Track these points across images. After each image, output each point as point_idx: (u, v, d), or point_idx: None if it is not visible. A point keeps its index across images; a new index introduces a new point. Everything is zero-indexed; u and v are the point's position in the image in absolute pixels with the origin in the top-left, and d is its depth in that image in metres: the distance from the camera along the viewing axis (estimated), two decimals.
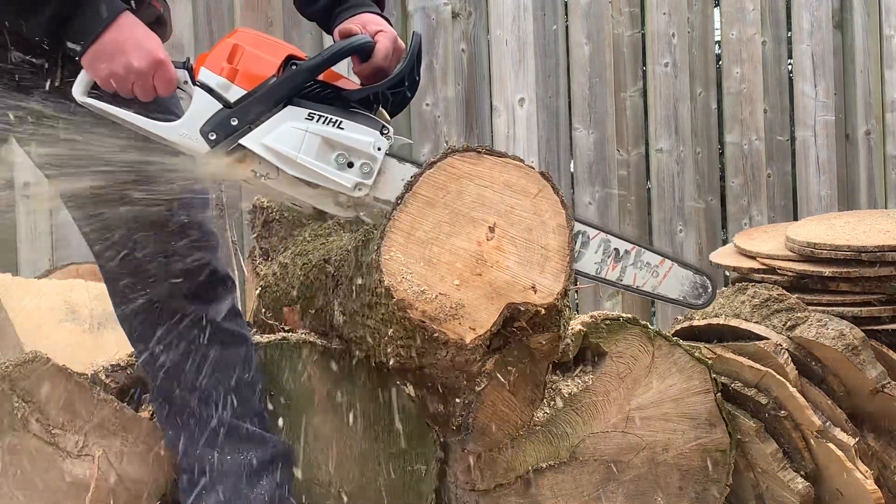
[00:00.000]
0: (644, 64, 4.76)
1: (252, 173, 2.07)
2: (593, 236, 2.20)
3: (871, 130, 5.01)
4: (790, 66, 4.98)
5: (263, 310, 2.69)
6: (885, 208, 4.92)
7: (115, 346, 2.75)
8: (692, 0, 4.79)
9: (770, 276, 2.98)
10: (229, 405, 2.29)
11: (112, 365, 2.58)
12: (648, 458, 2.66)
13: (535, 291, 2.22)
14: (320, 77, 2.09)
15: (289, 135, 2.05)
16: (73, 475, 2.36)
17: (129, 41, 1.98)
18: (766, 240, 3.16)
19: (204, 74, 2.06)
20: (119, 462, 2.39)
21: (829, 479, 2.72)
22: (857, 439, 2.72)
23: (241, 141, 2.05)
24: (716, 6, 4.88)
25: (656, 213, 4.75)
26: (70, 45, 1.99)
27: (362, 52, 2.16)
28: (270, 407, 2.45)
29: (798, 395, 2.70)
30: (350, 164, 2.07)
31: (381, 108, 2.16)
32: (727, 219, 4.87)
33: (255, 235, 2.84)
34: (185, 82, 2.06)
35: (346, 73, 2.23)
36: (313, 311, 2.55)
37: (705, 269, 2.35)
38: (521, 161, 2.28)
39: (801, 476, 2.70)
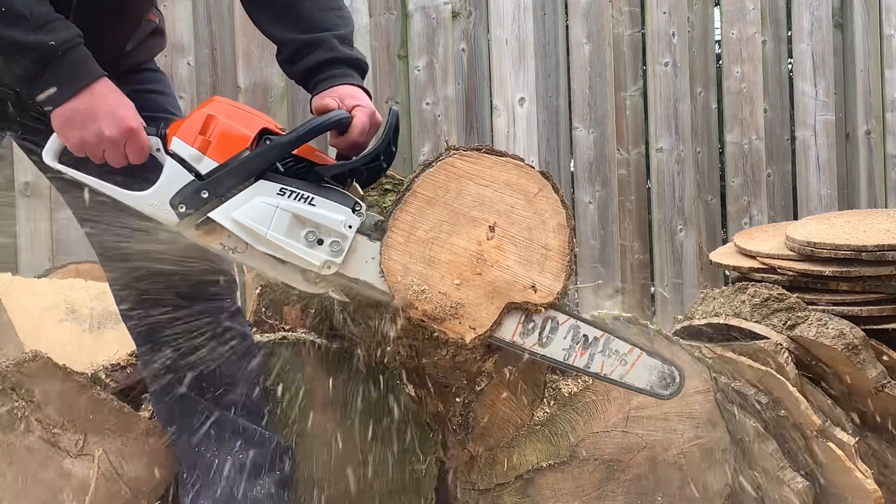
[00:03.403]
0: (644, 63, 4.76)
1: (220, 246, 2.05)
2: (563, 321, 2.18)
3: (871, 130, 5.01)
4: (790, 66, 4.98)
5: (263, 309, 2.69)
6: (885, 207, 4.92)
7: (115, 346, 2.75)
8: None
9: (770, 276, 2.98)
10: (230, 404, 2.29)
11: (112, 365, 2.59)
12: (649, 457, 2.66)
13: (536, 291, 2.22)
14: (297, 152, 2.07)
15: (259, 210, 2.02)
16: (73, 475, 2.36)
17: (101, 108, 1.95)
18: (767, 239, 3.16)
19: (176, 144, 2.02)
20: (119, 461, 2.39)
21: (829, 478, 2.72)
22: (857, 439, 2.72)
23: (210, 214, 2.02)
24: (716, 5, 4.88)
25: (656, 212, 4.75)
26: (41, 105, 1.97)
27: (339, 127, 2.14)
28: (271, 406, 2.45)
29: (798, 394, 2.70)
30: (320, 242, 2.04)
31: (354, 182, 2.15)
32: (727, 218, 4.87)
33: None
34: (158, 150, 2.03)
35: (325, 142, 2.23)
36: (313, 311, 2.55)
37: (674, 359, 2.31)
38: (522, 160, 2.28)
39: (801, 475, 2.70)
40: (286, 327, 2.56)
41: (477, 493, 2.59)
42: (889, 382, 2.74)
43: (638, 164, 4.72)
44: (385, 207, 2.37)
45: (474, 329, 2.19)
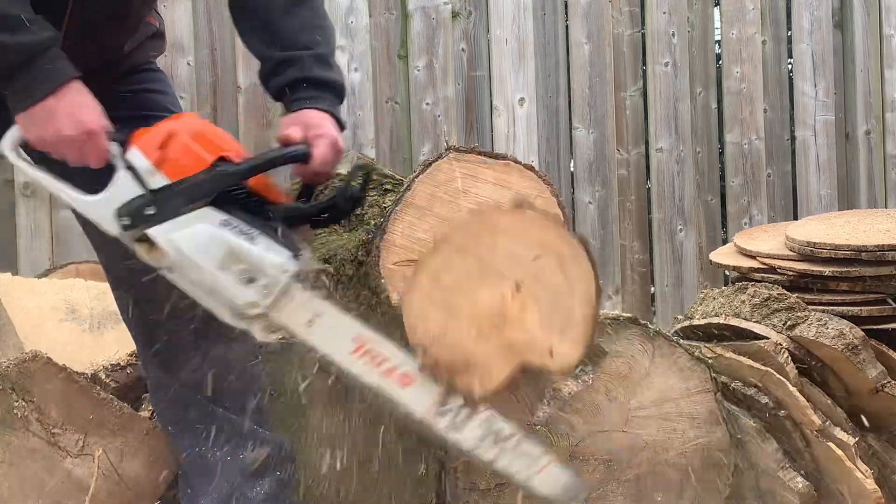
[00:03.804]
0: (644, 63, 4.76)
1: (156, 262, 2.01)
2: (480, 413, 2.08)
3: (871, 130, 5.01)
4: (790, 66, 4.98)
5: None
6: (885, 208, 4.93)
7: (115, 346, 2.75)
8: None
9: (770, 276, 2.98)
10: (231, 404, 2.28)
11: (112, 364, 2.59)
12: (649, 457, 2.66)
13: (552, 356, 2.16)
14: (250, 183, 2.01)
15: (198, 236, 1.97)
16: (73, 475, 2.36)
17: (64, 108, 1.93)
18: (766, 239, 3.16)
19: (134, 155, 1.98)
20: (119, 461, 2.39)
21: (829, 478, 2.72)
22: (857, 439, 2.72)
23: (149, 231, 1.98)
24: (716, 5, 4.88)
25: (656, 212, 4.75)
26: (10, 104, 1.95)
27: (296, 161, 2.08)
28: (272, 406, 2.45)
29: (798, 394, 2.70)
30: (251, 280, 1.98)
31: (306, 226, 2.09)
32: (727, 218, 4.87)
33: None
34: (115, 155, 1.99)
35: None
36: None
37: (580, 480, 2.20)
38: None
39: (802, 475, 2.70)
40: None
41: (477, 494, 2.59)
42: (889, 382, 2.74)
43: (638, 164, 4.72)
44: (385, 207, 2.38)
45: (482, 385, 2.14)
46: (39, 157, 2.02)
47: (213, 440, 2.27)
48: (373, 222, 2.40)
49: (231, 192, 1.99)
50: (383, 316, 2.28)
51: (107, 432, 2.38)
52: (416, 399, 2.05)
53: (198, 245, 1.97)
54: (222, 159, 1.99)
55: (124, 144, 2.00)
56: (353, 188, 2.06)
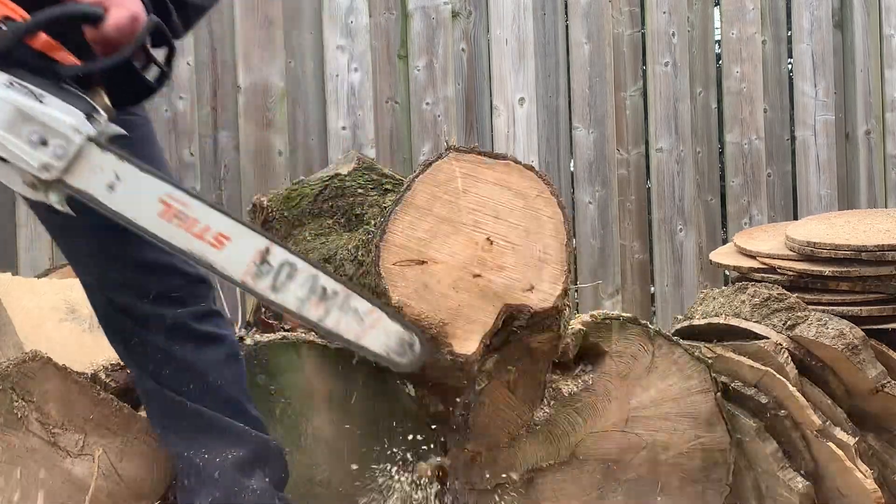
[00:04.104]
0: (644, 63, 4.76)
1: None
2: (301, 269, 1.99)
3: (871, 130, 5.01)
4: (790, 66, 4.98)
5: (263, 309, 2.69)
6: (885, 207, 4.92)
7: None
8: None
9: (770, 276, 2.98)
10: (211, 407, 2.25)
11: (112, 364, 2.58)
12: (648, 457, 2.66)
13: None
14: (37, 46, 1.90)
15: None
16: (73, 474, 2.36)
17: None
18: (766, 239, 3.16)
19: None
20: (119, 461, 2.39)
21: (829, 478, 2.72)
22: (857, 438, 2.72)
23: None
24: (716, 5, 4.88)
25: (656, 212, 4.75)
26: None
27: (87, 20, 1.94)
28: (271, 406, 2.45)
29: (798, 394, 2.70)
30: (44, 143, 1.86)
31: (101, 91, 1.97)
32: (727, 218, 4.86)
33: None
34: None
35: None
36: None
37: (414, 326, 2.12)
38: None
39: (801, 475, 2.70)
40: (286, 327, 2.56)
41: (477, 494, 2.59)
42: (889, 382, 2.74)
43: (638, 164, 4.72)
44: (385, 207, 2.38)
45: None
46: None
47: (200, 442, 2.26)
48: (373, 222, 2.40)
49: (15, 52, 1.88)
50: None
51: (107, 432, 2.38)
52: (233, 261, 1.96)
53: None
54: (4, 20, 1.88)
55: None
56: (156, 64, 1.97)
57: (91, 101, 1.93)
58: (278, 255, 1.98)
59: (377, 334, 2.04)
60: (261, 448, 2.28)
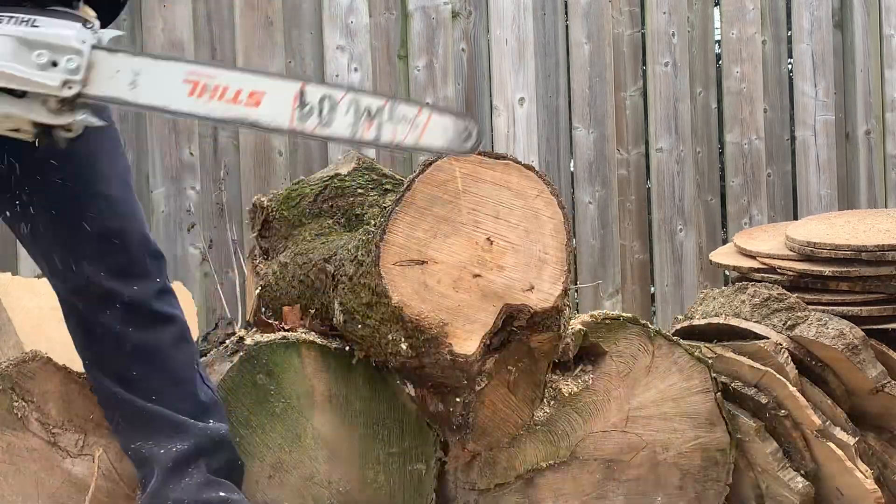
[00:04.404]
0: (644, 63, 4.76)
1: None
2: (340, 98, 1.98)
3: (871, 130, 5.01)
4: (790, 66, 4.98)
5: (263, 309, 2.69)
6: (885, 207, 4.92)
7: None
8: None
9: (770, 276, 2.98)
10: (158, 392, 2.22)
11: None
12: (648, 457, 2.66)
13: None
14: None
15: None
16: (73, 474, 2.36)
17: None
18: (766, 239, 3.16)
19: None
20: (119, 461, 2.39)
21: (829, 478, 2.72)
22: (857, 439, 2.72)
23: None
24: (716, 5, 4.88)
25: (656, 212, 4.75)
26: None
27: None
28: (271, 406, 2.46)
29: (798, 394, 2.70)
30: (54, 63, 1.86)
31: (83, 5, 1.98)
32: (727, 218, 4.86)
33: (254, 235, 2.84)
34: None
35: None
36: (313, 311, 2.55)
37: (465, 112, 2.15)
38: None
39: (801, 475, 2.70)
40: (286, 327, 2.56)
41: (476, 493, 2.59)
42: (889, 382, 2.74)
43: (638, 164, 4.72)
44: (385, 207, 2.38)
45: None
46: None
47: (143, 431, 2.24)
48: (373, 222, 2.40)
49: None
50: (383, 315, 2.28)
51: (106, 432, 2.38)
52: (276, 112, 1.96)
53: None
54: None
55: None
56: None
57: (77, 13, 1.93)
58: (314, 91, 1.98)
59: (434, 132, 2.04)
60: (202, 440, 2.25)
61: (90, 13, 1.96)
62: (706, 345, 2.82)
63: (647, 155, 4.75)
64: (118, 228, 2.17)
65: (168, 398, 2.24)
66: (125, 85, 1.91)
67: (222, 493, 2.23)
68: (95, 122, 1.95)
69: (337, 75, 4.30)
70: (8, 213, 2.19)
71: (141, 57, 1.94)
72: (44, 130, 1.93)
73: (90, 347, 2.25)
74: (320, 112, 1.97)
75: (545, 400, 2.57)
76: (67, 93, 1.88)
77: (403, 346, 2.27)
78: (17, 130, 1.95)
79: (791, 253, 2.97)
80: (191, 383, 2.28)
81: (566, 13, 4.66)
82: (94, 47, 1.89)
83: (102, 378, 2.26)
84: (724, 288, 3.08)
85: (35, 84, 1.87)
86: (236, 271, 3.75)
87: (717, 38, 4.92)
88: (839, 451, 2.68)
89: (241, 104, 1.94)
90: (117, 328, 2.20)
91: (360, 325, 2.36)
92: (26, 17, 1.87)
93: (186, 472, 2.22)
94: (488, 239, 2.24)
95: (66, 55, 1.87)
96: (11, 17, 1.87)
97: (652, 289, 4.76)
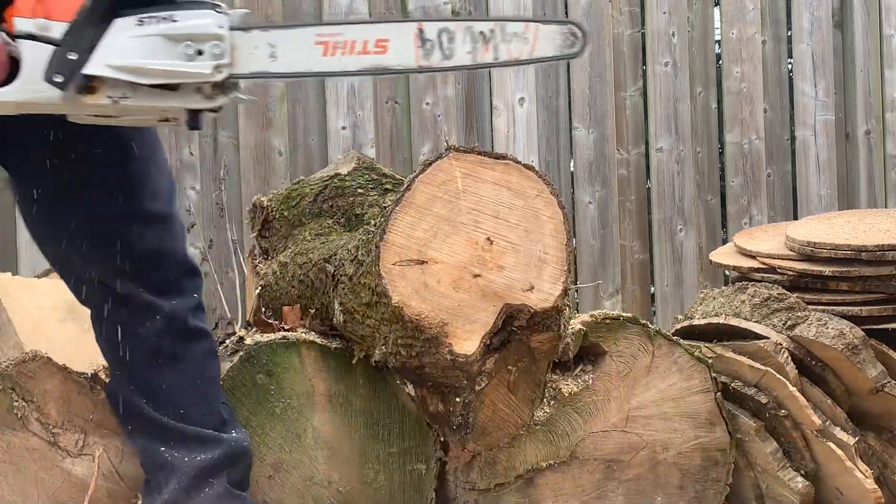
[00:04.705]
0: (644, 63, 4.76)
1: (109, 100, 1.97)
2: (455, 29, 2.08)
3: (871, 130, 5.01)
4: (790, 66, 4.98)
5: (263, 309, 2.69)
6: (885, 207, 4.92)
7: None
8: None
9: (770, 276, 2.98)
10: (186, 406, 2.26)
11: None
12: (648, 457, 2.66)
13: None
14: None
15: (129, 46, 1.95)
16: (73, 474, 2.36)
17: None
18: (766, 239, 3.16)
19: (20, 24, 1.94)
20: (119, 461, 2.39)
21: (829, 478, 2.72)
22: (857, 438, 2.72)
23: (85, 71, 1.94)
24: (716, 5, 4.88)
25: (656, 212, 4.75)
26: None
27: None
28: (271, 406, 2.46)
29: (798, 394, 2.70)
30: (200, 52, 1.96)
31: None
32: (727, 218, 4.86)
33: (254, 234, 2.84)
34: (6, 43, 1.94)
35: None
36: (313, 311, 2.55)
37: (568, 19, 2.24)
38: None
39: (801, 475, 2.70)
40: (286, 327, 2.56)
41: (477, 493, 2.59)
42: (889, 382, 2.74)
43: (638, 164, 4.72)
44: (385, 207, 2.38)
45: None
46: None
47: (166, 440, 2.26)
48: (373, 222, 2.40)
49: None
50: (383, 315, 2.28)
51: (107, 432, 2.38)
52: (402, 55, 2.04)
53: (135, 52, 1.94)
54: None
55: (4, 29, 1.96)
56: None
57: (206, 0, 2.01)
58: (430, 27, 2.07)
59: (544, 42, 2.11)
60: (227, 451, 2.27)
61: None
62: (706, 345, 2.82)
63: (647, 155, 4.75)
64: (162, 246, 2.23)
65: (195, 412, 2.27)
66: (266, 58, 2.01)
67: None
68: (245, 98, 2.08)
69: None
70: (54, 225, 2.22)
71: (272, 30, 2.04)
72: (194, 114, 2.04)
73: (122, 357, 2.26)
74: (441, 46, 2.06)
75: (545, 400, 2.57)
76: (219, 77, 1.98)
77: (404, 345, 2.27)
78: (166, 120, 2.07)
79: (791, 253, 2.97)
80: (215, 397, 2.31)
81: (566, 13, 4.66)
82: (231, 28, 1.98)
83: (129, 388, 2.28)
84: (724, 288, 3.08)
85: (190, 75, 1.97)
86: (236, 271, 3.75)
87: (717, 38, 4.92)
88: (839, 451, 2.68)
89: (371, 53, 2.03)
90: (153, 340, 2.23)
91: (360, 325, 2.36)
92: (164, 14, 1.97)
93: (208, 483, 2.24)
94: (488, 239, 2.24)
95: (209, 42, 1.96)
96: (152, 17, 1.96)
97: (652, 289, 4.76)
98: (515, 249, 2.25)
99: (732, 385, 2.75)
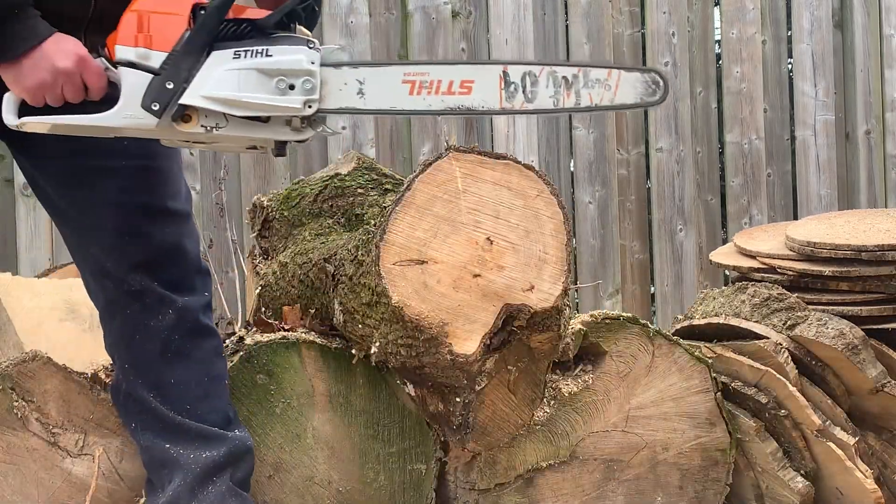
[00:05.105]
0: (644, 63, 4.76)
1: (202, 129, 2.06)
2: (539, 73, 2.14)
3: (871, 130, 5.01)
4: (790, 66, 4.98)
5: (263, 308, 2.69)
6: (885, 207, 4.92)
7: None
8: None
9: (770, 276, 2.98)
10: (192, 402, 2.27)
11: (112, 364, 2.58)
12: (648, 457, 2.66)
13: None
14: (229, 15, 2.07)
15: (224, 79, 2.03)
16: (73, 474, 2.36)
17: (51, 48, 1.99)
18: (766, 239, 3.16)
19: (121, 52, 2.03)
20: (119, 461, 2.39)
21: (829, 478, 2.72)
22: (857, 438, 2.72)
23: (182, 101, 2.03)
24: (716, 5, 4.88)
25: (656, 212, 4.75)
26: None
27: None
28: (271, 406, 2.46)
29: (798, 394, 2.70)
30: (292, 87, 2.05)
31: (297, 25, 2.14)
32: (727, 218, 4.86)
33: (254, 235, 2.84)
34: (107, 69, 2.04)
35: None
36: (313, 311, 2.55)
37: (650, 66, 2.29)
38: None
39: (801, 475, 2.70)
40: (286, 327, 2.56)
41: (477, 493, 2.59)
42: (889, 382, 2.74)
43: (638, 164, 4.72)
44: (385, 207, 2.38)
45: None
46: (38, 112, 2.05)
47: (172, 437, 2.27)
48: (373, 222, 2.40)
49: (222, 30, 2.05)
50: (383, 315, 2.28)
51: (107, 432, 2.38)
52: (486, 97, 2.12)
53: (229, 85, 2.03)
54: (196, 7, 2.05)
55: (106, 55, 2.04)
56: None
57: (298, 36, 2.09)
58: (515, 70, 2.14)
59: (626, 89, 2.20)
60: (232, 449, 2.29)
61: (306, 32, 2.12)
62: (706, 345, 2.82)
63: (647, 155, 4.75)
64: (179, 243, 2.27)
65: (201, 408, 2.29)
66: (354, 95, 2.09)
67: None
68: (331, 131, 2.16)
69: None
70: (76, 210, 2.25)
71: (362, 67, 2.11)
72: (281, 143, 2.12)
73: (133, 350, 2.28)
74: (524, 89, 2.13)
75: (545, 400, 2.57)
76: (308, 111, 2.06)
77: (404, 345, 2.27)
78: (254, 147, 2.15)
79: (791, 253, 2.97)
80: (221, 396, 2.33)
81: (566, 13, 4.66)
82: (322, 65, 2.07)
83: (137, 382, 2.29)
84: (724, 288, 3.08)
85: (281, 109, 2.05)
86: (236, 271, 3.75)
87: (717, 37, 4.92)
88: (839, 451, 2.68)
89: (455, 94, 2.11)
90: (165, 334, 2.26)
91: (360, 325, 2.36)
92: (259, 48, 2.05)
93: (211, 481, 2.26)
94: (488, 239, 2.24)
95: (300, 78, 2.05)
96: (247, 50, 2.05)
97: (652, 289, 4.76)
98: (515, 249, 2.25)
99: (732, 385, 2.75)
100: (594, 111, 2.24)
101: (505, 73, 2.12)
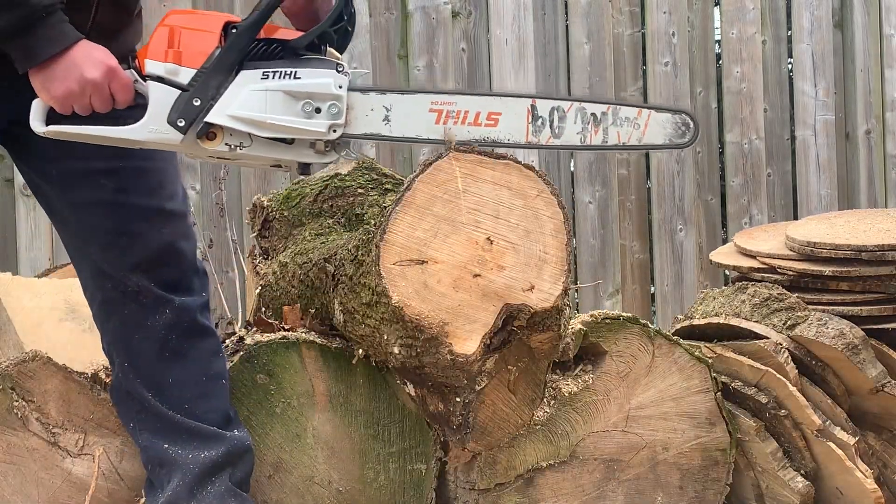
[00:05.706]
0: (644, 63, 4.76)
1: (226, 147, 2.07)
2: (568, 108, 2.15)
3: (871, 129, 5.01)
4: (790, 66, 4.98)
5: (263, 308, 2.69)
6: (886, 207, 4.92)
7: None
8: None
9: (770, 276, 2.98)
10: (190, 401, 2.28)
11: (110, 364, 2.58)
12: (648, 457, 2.66)
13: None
14: (261, 35, 2.09)
15: (251, 99, 2.04)
16: (73, 474, 2.36)
17: (80, 55, 1.99)
18: (767, 239, 3.16)
19: (151, 66, 2.05)
20: (119, 461, 2.39)
21: (829, 478, 2.72)
22: (857, 438, 2.72)
23: (207, 119, 2.04)
24: (716, 5, 4.88)
25: (656, 212, 4.75)
26: (22, 63, 2.00)
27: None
28: (271, 406, 2.46)
29: (798, 394, 2.70)
30: (318, 110, 2.06)
31: (328, 48, 2.15)
32: (727, 218, 4.87)
33: (254, 235, 2.84)
34: (136, 81, 2.05)
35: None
36: (313, 310, 2.55)
37: (682, 107, 2.28)
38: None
39: (801, 475, 2.70)
40: (286, 327, 2.56)
41: (477, 493, 2.59)
42: (889, 382, 2.74)
43: (638, 164, 4.72)
44: (385, 207, 2.38)
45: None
46: (65, 120, 2.05)
47: (172, 436, 2.27)
48: (373, 222, 2.40)
49: (252, 49, 2.07)
50: (383, 315, 2.28)
51: (107, 432, 2.38)
52: (513, 129, 2.14)
53: (256, 105, 2.04)
54: (228, 25, 2.07)
55: (136, 67, 2.06)
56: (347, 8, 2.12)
57: (328, 59, 2.10)
58: (543, 104, 2.15)
59: (655, 129, 2.18)
60: (231, 449, 2.29)
61: (336, 55, 2.13)
62: (706, 345, 2.82)
63: (647, 154, 4.75)
64: (177, 243, 2.27)
65: (200, 408, 2.29)
66: (380, 121, 2.11)
67: None
68: (355, 156, 2.20)
69: None
70: (75, 210, 2.25)
71: (389, 93, 2.12)
72: (305, 164, 2.13)
73: (131, 350, 2.28)
74: (551, 124, 2.14)
75: (545, 400, 2.57)
76: (333, 136, 2.07)
77: (404, 345, 2.27)
78: (278, 165, 2.16)
79: (791, 253, 2.97)
80: (220, 396, 2.33)
81: (566, 13, 4.66)
82: (349, 90, 2.08)
83: (136, 381, 2.29)
84: (724, 288, 3.08)
85: (306, 132, 2.07)
86: (236, 271, 3.75)
87: (717, 37, 4.92)
88: (839, 451, 2.68)
89: (482, 126, 2.15)
90: (163, 333, 2.26)
91: (360, 325, 2.36)
92: (288, 69, 2.06)
93: (210, 481, 2.26)
94: (488, 239, 2.24)
95: (327, 102, 2.06)
96: (276, 72, 2.06)
97: (652, 289, 4.76)
98: (515, 249, 2.25)
99: (732, 385, 2.75)
100: (622, 150, 2.25)
101: (533, 107, 2.14)
